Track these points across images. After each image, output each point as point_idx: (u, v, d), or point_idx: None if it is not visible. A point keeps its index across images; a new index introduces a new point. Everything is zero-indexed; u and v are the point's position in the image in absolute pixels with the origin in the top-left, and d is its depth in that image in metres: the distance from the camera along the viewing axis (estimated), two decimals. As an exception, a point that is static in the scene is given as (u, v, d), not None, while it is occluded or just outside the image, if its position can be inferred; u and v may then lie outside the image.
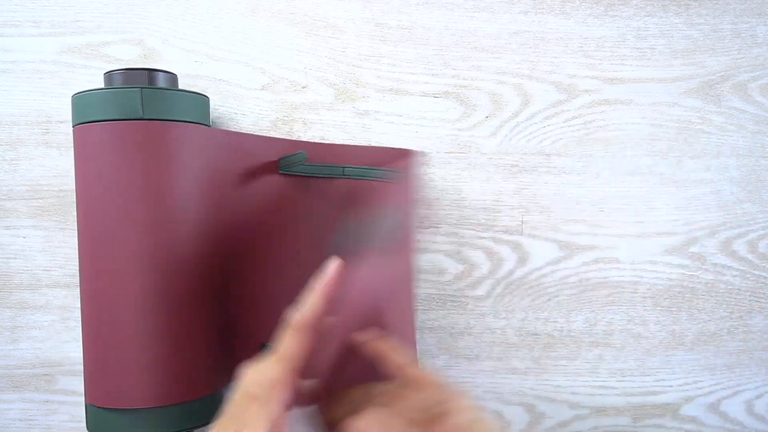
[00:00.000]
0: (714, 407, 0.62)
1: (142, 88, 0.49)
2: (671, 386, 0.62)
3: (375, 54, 0.60)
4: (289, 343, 0.42)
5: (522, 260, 0.61)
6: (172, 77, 0.53)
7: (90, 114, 0.50)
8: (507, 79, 0.61)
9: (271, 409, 0.40)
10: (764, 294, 0.62)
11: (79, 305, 0.59)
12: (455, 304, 0.61)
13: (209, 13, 0.60)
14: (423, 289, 0.61)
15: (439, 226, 0.61)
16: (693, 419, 0.62)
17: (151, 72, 0.52)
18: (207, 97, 0.54)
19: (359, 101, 0.60)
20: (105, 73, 0.52)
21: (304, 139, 0.60)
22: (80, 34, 0.59)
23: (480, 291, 0.61)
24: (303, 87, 0.60)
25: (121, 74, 0.51)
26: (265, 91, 0.60)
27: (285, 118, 0.60)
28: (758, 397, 0.62)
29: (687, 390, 0.62)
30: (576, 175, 0.61)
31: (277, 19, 0.60)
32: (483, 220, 0.61)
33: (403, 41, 0.60)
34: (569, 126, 0.61)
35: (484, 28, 0.60)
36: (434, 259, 0.61)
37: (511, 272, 0.61)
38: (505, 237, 0.61)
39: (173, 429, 0.50)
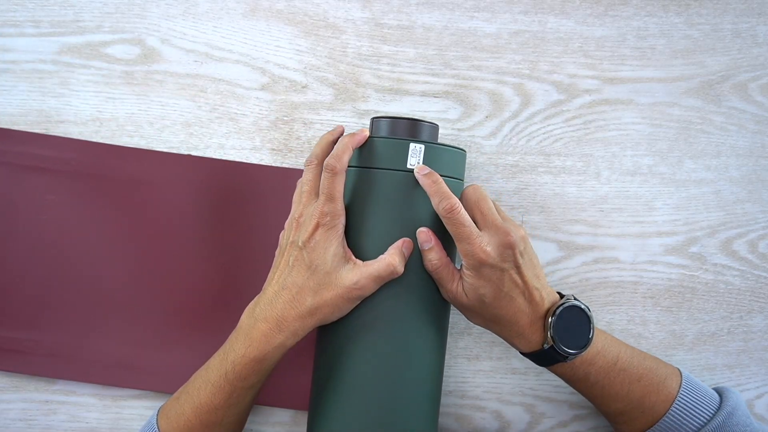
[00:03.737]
0: (714, 407, 0.62)
1: (409, 141, 0.51)
2: (671, 386, 0.62)
3: (375, 54, 0.60)
4: (332, 183, 0.50)
5: (522, 260, 0.61)
6: (434, 128, 0.54)
7: (359, 160, 0.52)
8: (507, 79, 0.61)
9: (335, 231, 0.50)
10: (764, 294, 0.62)
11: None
12: (455, 304, 0.61)
13: (209, 13, 0.60)
14: (423, 289, 0.61)
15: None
16: (693, 419, 0.62)
17: (416, 123, 0.52)
18: (465, 151, 0.54)
19: (359, 101, 0.60)
20: (372, 118, 0.54)
21: (304, 139, 0.60)
22: (80, 34, 0.59)
23: (480, 291, 0.61)
24: (303, 87, 0.60)
25: (388, 122, 0.53)
26: (265, 91, 0.60)
27: (285, 118, 0.60)
28: (758, 397, 0.62)
29: (687, 390, 0.62)
30: (576, 175, 0.61)
31: (277, 19, 0.60)
32: (483, 220, 0.61)
33: (403, 41, 0.60)
34: (569, 126, 0.61)
35: (484, 28, 0.60)
36: (434, 259, 0.61)
37: (511, 272, 0.61)
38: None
39: None
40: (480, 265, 0.49)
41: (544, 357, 0.52)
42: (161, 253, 0.59)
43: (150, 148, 0.59)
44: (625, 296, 0.61)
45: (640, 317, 0.61)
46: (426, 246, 0.51)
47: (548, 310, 0.52)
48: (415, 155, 0.50)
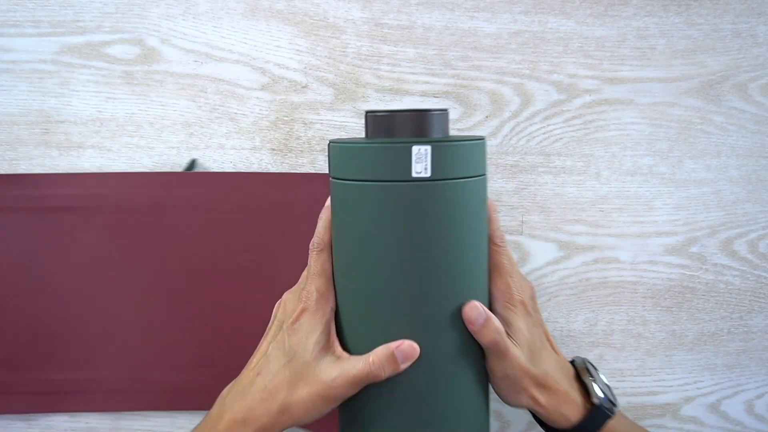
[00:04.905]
0: (714, 407, 0.62)
1: (413, 143, 0.41)
2: (671, 386, 0.62)
3: (375, 54, 0.60)
4: (317, 262, 0.46)
5: (522, 260, 0.61)
6: (443, 116, 0.44)
7: (352, 172, 0.43)
8: (507, 79, 0.61)
9: (321, 315, 0.44)
10: (764, 294, 0.62)
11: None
12: (455, 304, 0.61)
13: (209, 13, 0.60)
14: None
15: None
16: (693, 419, 0.62)
17: (419, 115, 0.43)
18: (483, 139, 0.45)
19: (359, 101, 0.60)
20: (367, 113, 0.45)
21: (304, 139, 0.60)
22: (80, 34, 0.59)
23: (480, 291, 0.61)
24: (303, 87, 0.60)
25: (385, 118, 0.43)
26: (265, 91, 0.60)
27: (285, 118, 0.60)
28: (758, 397, 0.62)
29: (687, 390, 0.62)
30: (576, 175, 0.61)
31: (276, 19, 0.60)
32: (483, 220, 0.61)
33: (403, 41, 0.60)
34: (569, 126, 0.61)
35: (484, 28, 0.60)
36: (434, 259, 0.61)
37: (511, 272, 0.61)
38: (505, 237, 0.61)
39: None
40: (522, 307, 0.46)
41: (597, 417, 0.47)
42: (193, 271, 0.59)
43: (150, 147, 0.59)
44: (625, 296, 0.61)
45: (641, 317, 0.61)
46: (480, 321, 0.44)
47: (571, 366, 0.50)
48: (422, 160, 0.41)
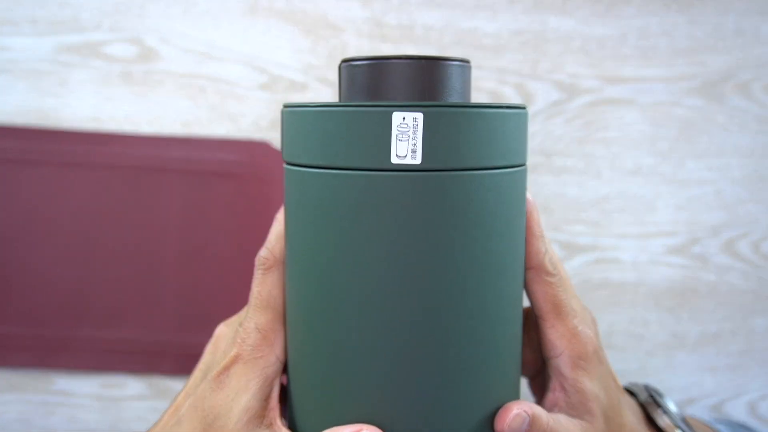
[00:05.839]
0: (716, 409, 0.62)
1: (421, 106, 0.26)
2: (673, 388, 0.61)
3: (375, 53, 0.60)
4: (261, 286, 0.33)
5: (523, 261, 0.61)
6: (462, 69, 0.30)
7: (305, 153, 0.29)
8: (508, 78, 0.60)
9: (261, 367, 0.32)
10: (767, 295, 0.62)
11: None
12: (456, 304, 0.61)
13: (209, 13, 0.59)
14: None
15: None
16: (695, 421, 0.62)
17: (420, 64, 0.28)
18: (524, 108, 0.31)
19: (359, 101, 0.60)
20: (342, 62, 0.31)
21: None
22: (78, 33, 0.59)
23: (480, 292, 0.60)
24: (303, 87, 0.60)
25: (366, 69, 0.29)
26: (265, 91, 0.60)
27: (284, 118, 0.60)
28: (761, 398, 0.62)
29: (689, 391, 0.62)
30: (577, 175, 0.61)
31: (276, 18, 0.60)
32: (484, 221, 0.60)
33: (403, 40, 0.60)
34: (570, 126, 0.61)
35: (484, 27, 0.60)
36: (434, 259, 0.60)
37: (511, 273, 0.61)
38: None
39: None
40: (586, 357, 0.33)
41: None
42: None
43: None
44: (626, 297, 0.61)
45: (642, 318, 0.61)
46: (524, 428, 0.31)
47: (637, 405, 0.39)
48: (406, 137, 0.26)
